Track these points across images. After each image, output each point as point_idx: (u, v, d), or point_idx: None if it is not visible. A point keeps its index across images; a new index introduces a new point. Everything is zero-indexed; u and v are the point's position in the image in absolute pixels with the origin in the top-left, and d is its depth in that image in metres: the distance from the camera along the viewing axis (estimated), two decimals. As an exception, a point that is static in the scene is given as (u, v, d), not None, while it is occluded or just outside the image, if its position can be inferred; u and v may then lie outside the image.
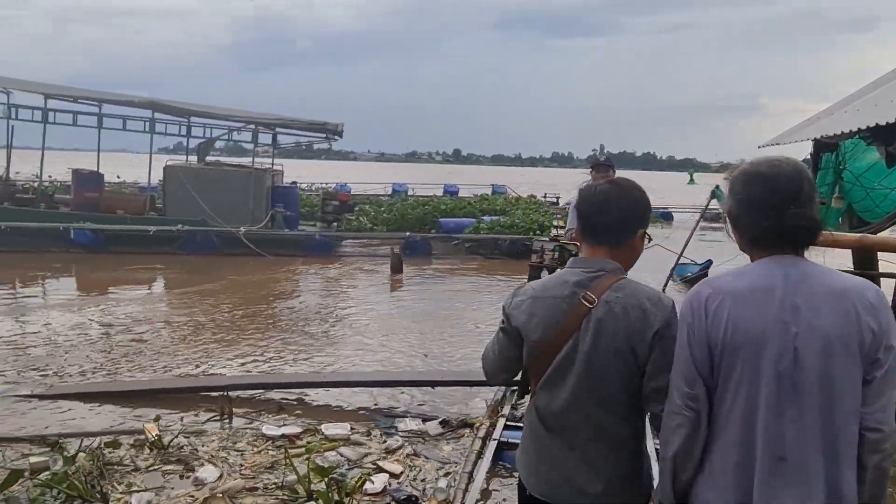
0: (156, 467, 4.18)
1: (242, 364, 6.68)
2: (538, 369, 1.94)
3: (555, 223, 17.40)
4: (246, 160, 16.88)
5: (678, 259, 11.04)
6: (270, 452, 4.49)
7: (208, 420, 5.06)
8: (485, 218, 16.99)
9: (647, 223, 1.99)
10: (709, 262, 11.24)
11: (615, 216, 1.92)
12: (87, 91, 15.28)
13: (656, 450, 2.07)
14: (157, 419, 4.58)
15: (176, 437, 4.57)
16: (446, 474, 4.27)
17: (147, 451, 4.40)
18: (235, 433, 4.79)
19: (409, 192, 26.32)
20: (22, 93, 14.76)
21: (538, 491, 2.00)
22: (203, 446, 4.55)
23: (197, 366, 6.57)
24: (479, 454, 4.41)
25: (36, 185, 15.52)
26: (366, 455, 4.50)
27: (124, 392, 5.53)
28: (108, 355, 6.74)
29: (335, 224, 16.43)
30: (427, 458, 4.52)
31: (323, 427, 4.88)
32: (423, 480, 4.18)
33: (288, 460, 3.98)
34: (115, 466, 4.13)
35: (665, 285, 10.98)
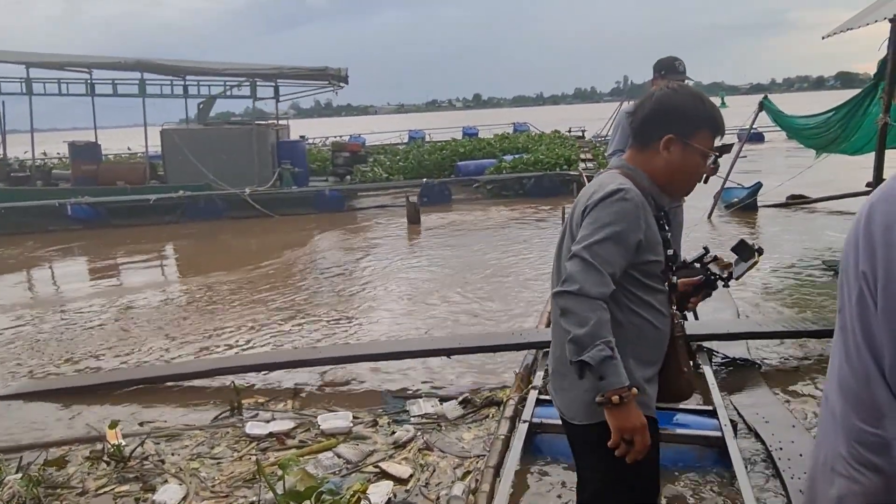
0: (108, 488, 3.40)
1: (258, 343, 5.78)
2: None
3: (582, 157, 16.23)
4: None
5: (724, 183, 9.91)
6: (254, 458, 3.67)
7: (219, 415, 4.24)
8: (506, 157, 15.87)
9: (680, 129, 1.81)
10: (758, 185, 10.04)
11: (640, 116, 1.87)
12: (73, 57, 14.39)
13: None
14: (113, 425, 3.77)
15: (141, 443, 3.77)
16: (466, 473, 3.41)
17: (105, 464, 3.63)
18: (214, 435, 3.98)
19: (427, 139, 25.16)
20: (15, 67, 13.94)
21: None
22: (172, 455, 3.75)
23: (204, 349, 5.73)
24: (507, 442, 3.53)
25: (30, 162, 14.76)
26: (369, 454, 3.65)
27: (98, 386, 4.73)
28: (97, 344, 5.95)
29: (348, 177, 15.49)
30: (443, 452, 3.66)
31: (320, 419, 4.04)
32: (437, 485, 3.32)
33: (262, 475, 3.14)
34: (58, 491, 3.36)
35: (710, 213, 9.91)
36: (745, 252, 2.11)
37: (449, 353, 4.71)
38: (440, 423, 4.00)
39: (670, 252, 1.92)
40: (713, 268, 2.06)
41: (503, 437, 3.56)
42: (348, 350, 5.06)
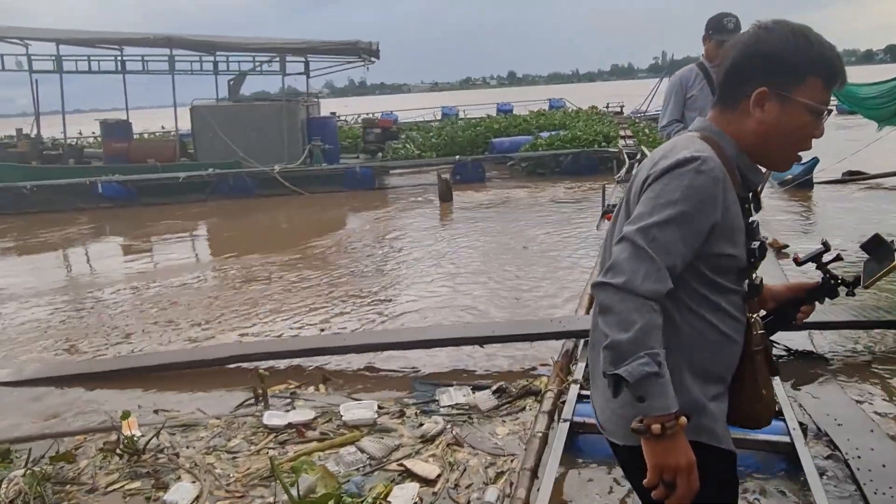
0: (119, 485, 3.18)
1: (288, 327, 5.53)
2: None
3: (622, 133, 15.67)
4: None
5: (776, 159, 9.32)
6: (271, 452, 3.43)
7: (242, 403, 4.02)
8: (542, 134, 15.39)
9: (778, 78, 1.37)
10: (814, 161, 9.43)
11: (725, 66, 1.45)
12: (103, 34, 14.30)
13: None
14: (125, 416, 3.54)
15: (156, 434, 3.55)
16: (499, 475, 3.11)
17: (118, 457, 3.42)
18: (230, 425, 3.75)
19: (460, 115, 24.70)
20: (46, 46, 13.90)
21: None
22: (187, 447, 3.53)
23: (233, 331, 5.48)
24: (545, 440, 3.21)
25: (62, 141, 14.78)
26: (395, 449, 3.37)
27: (119, 372, 4.54)
28: (126, 326, 5.75)
29: (379, 154, 15.18)
30: (474, 448, 3.36)
31: (342, 409, 3.78)
32: (467, 487, 3.03)
33: (277, 475, 2.88)
34: (66, 487, 3.16)
35: (760, 190, 9.32)
36: (881, 251, 1.58)
37: (482, 341, 4.40)
38: (472, 414, 3.71)
39: (755, 244, 1.46)
40: (833, 269, 1.56)
41: (540, 434, 3.25)
42: (376, 337, 4.79)
